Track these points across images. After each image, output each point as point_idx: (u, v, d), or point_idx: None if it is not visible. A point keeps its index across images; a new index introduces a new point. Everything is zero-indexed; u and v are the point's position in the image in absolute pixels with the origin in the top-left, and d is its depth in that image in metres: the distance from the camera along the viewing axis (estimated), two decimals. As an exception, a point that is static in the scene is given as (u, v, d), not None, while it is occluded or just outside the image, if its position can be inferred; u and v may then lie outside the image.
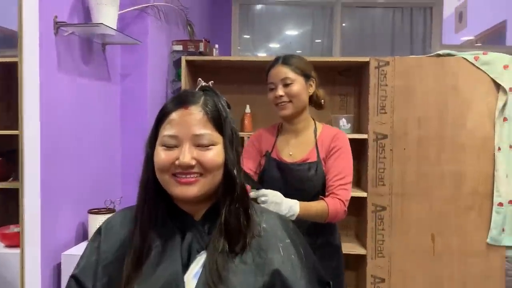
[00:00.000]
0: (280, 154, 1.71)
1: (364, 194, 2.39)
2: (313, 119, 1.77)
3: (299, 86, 1.65)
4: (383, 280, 2.38)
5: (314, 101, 1.75)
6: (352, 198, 2.51)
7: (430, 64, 2.36)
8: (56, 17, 1.66)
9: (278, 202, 1.46)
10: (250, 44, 4.57)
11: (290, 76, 1.65)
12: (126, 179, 2.22)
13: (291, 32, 4.61)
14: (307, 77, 1.69)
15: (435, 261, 2.36)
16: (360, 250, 2.43)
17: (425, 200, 2.36)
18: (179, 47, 2.71)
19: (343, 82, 2.68)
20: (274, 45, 4.64)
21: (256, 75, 2.69)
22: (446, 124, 2.35)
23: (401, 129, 2.36)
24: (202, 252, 0.95)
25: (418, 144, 2.35)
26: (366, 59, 2.38)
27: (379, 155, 2.36)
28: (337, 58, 2.57)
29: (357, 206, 2.64)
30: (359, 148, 2.61)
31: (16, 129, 1.50)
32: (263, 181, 1.69)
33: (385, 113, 2.36)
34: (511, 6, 5.16)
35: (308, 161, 1.66)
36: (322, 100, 1.77)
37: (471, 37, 5.93)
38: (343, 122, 2.48)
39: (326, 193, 1.62)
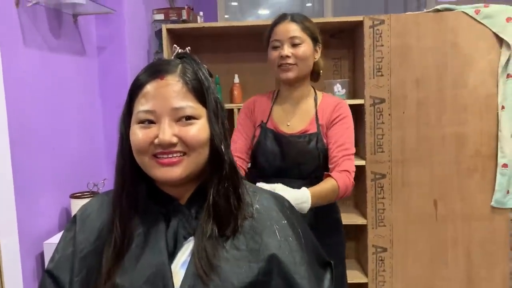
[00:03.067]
0: (276, 125, 1.56)
1: (362, 162, 2.28)
2: (313, 88, 1.62)
3: (307, 48, 1.50)
4: (385, 250, 2.30)
5: (314, 70, 1.60)
6: (350, 166, 2.45)
7: (428, 20, 2.21)
8: (16, -15, 1.50)
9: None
10: (237, 11, 4.38)
11: (300, 35, 1.49)
12: (110, 159, 2.09)
13: (280, -4, 4.41)
14: (315, 41, 1.54)
15: (438, 227, 2.28)
16: (360, 220, 2.34)
17: (426, 165, 2.25)
18: (160, 16, 2.54)
19: (336, 45, 2.53)
20: (263, 11, 4.45)
21: (244, 42, 2.56)
22: (447, 84, 2.22)
23: (399, 92, 2.23)
24: (189, 238, 0.85)
25: (418, 106, 2.23)
26: (360, 18, 2.23)
27: (377, 121, 2.24)
28: (328, 18, 2.41)
29: (356, 174, 2.54)
30: (355, 114, 2.47)
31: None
32: (257, 155, 1.56)
33: (382, 75, 2.23)
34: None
35: (308, 132, 1.53)
36: (320, 70, 1.63)
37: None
38: (337, 87, 2.35)
39: (330, 165, 1.50)
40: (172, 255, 0.83)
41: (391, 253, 2.30)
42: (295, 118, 1.56)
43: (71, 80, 1.86)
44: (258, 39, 2.47)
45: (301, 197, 1.32)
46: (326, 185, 1.42)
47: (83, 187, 1.81)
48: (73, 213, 1.71)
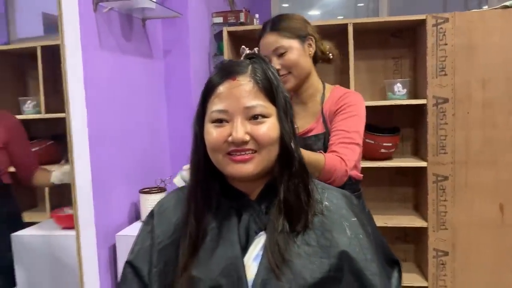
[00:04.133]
0: None
1: (423, 164, 2.23)
2: (323, 82, 1.51)
3: (295, 53, 1.40)
4: (446, 254, 2.24)
5: (320, 58, 1.50)
6: (410, 168, 2.40)
7: (495, 17, 2.13)
8: (94, -7, 1.60)
9: None
10: (291, 12, 4.39)
11: (282, 44, 1.40)
12: (175, 157, 2.18)
13: (332, -3, 4.38)
14: (302, 38, 1.43)
15: (504, 232, 2.19)
16: (420, 223, 2.29)
17: (492, 168, 2.17)
18: (220, 19, 2.61)
19: (396, 44, 2.49)
20: (314, 13, 4.43)
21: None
22: (515, 84, 2.13)
23: (463, 92, 2.16)
24: (260, 233, 0.88)
25: (483, 107, 2.15)
26: (422, 17, 2.18)
27: (440, 121, 2.19)
28: (390, 17, 2.37)
29: (415, 176, 2.49)
30: (416, 115, 2.45)
31: (64, 111, 1.48)
32: None
33: (445, 75, 2.17)
34: None
35: (312, 133, 1.44)
36: (330, 54, 1.51)
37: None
38: (398, 87, 2.31)
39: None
40: (244, 249, 0.86)
41: (453, 257, 2.24)
42: (302, 120, 1.47)
43: (140, 82, 1.95)
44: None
45: None
46: (311, 154, 1.26)
47: (151, 183, 1.89)
48: (142, 208, 1.80)
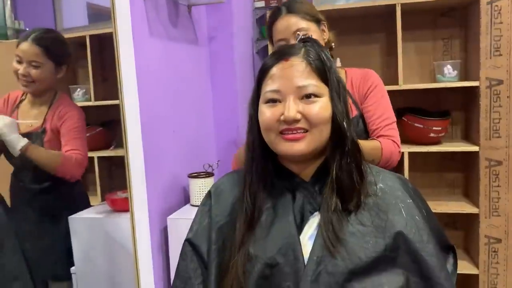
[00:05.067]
0: None
1: (475, 148, 2.16)
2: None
3: (315, 35, 1.40)
4: (499, 241, 2.17)
5: (326, 45, 1.50)
6: (460, 153, 2.33)
7: (557, -8, 2.00)
8: (143, -20, 1.63)
9: None
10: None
11: (303, 25, 1.39)
12: (221, 143, 2.21)
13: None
14: (318, 21, 1.44)
15: (562, 220, 2.10)
16: (471, 209, 2.22)
17: (550, 152, 2.07)
18: (262, 4, 2.59)
19: (446, 24, 2.39)
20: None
21: (346, 25, 2.52)
22: None
23: (520, 73, 2.06)
24: (315, 213, 0.90)
25: (542, 88, 2.05)
26: (476, -6, 2.09)
27: (493, 104, 2.10)
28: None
29: (465, 161, 2.41)
30: (467, 98, 2.36)
31: (114, 99, 1.53)
32: None
33: (500, 55, 2.07)
34: None
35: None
36: (333, 44, 1.53)
37: None
38: (448, 69, 2.23)
39: (372, 137, 1.43)
40: (299, 228, 0.88)
41: (506, 244, 2.16)
42: None
43: (187, 68, 1.98)
44: (358, 21, 2.44)
45: None
46: (367, 142, 1.35)
47: (199, 168, 1.93)
48: (191, 192, 1.84)
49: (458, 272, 2.24)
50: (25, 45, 1.40)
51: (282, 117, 0.86)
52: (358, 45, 2.49)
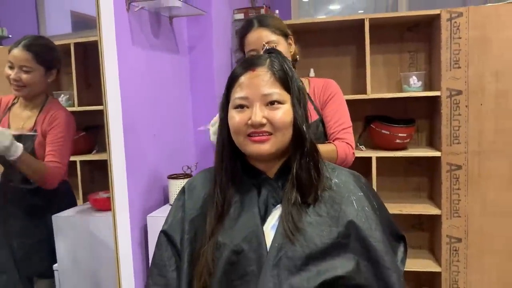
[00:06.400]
0: None
1: (437, 154, 2.32)
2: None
3: (282, 48, 1.50)
4: (459, 240, 2.33)
5: (291, 59, 1.62)
6: (425, 158, 2.49)
7: (509, 11, 2.19)
8: (127, -7, 1.74)
9: None
10: (311, 7, 4.47)
11: (273, 38, 1.52)
12: (199, 146, 2.32)
13: (352, -9, 4.42)
14: (286, 36, 1.59)
15: (516, 220, 2.27)
16: (434, 211, 2.38)
17: (505, 157, 2.24)
18: (241, 16, 2.71)
19: (412, 38, 2.57)
20: (335, 7, 4.49)
21: (318, 38, 2.67)
22: (529, 76, 2.19)
23: (477, 84, 2.24)
24: (277, 206, 1.01)
25: (497, 98, 2.22)
26: (437, 11, 2.26)
27: (453, 112, 2.27)
28: (405, 13, 2.45)
29: (430, 166, 2.57)
30: (431, 107, 2.53)
31: (96, 104, 1.60)
32: None
33: (459, 67, 2.24)
34: None
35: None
36: (297, 56, 1.67)
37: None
38: (413, 80, 2.39)
39: (330, 140, 1.57)
40: (263, 219, 0.99)
41: (466, 244, 2.32)
42: None
43: (168, 76, 2.09)
44: (331, 35, 2.58)
45: None
46: (324, 146, 1.48)
47: (178, 170, 2.03)
48: (170, 192, 1.94)
49: (423, 270, 2.39)
50: (16, 51, 1.46)
51: (249, 121, 0.97)
52: (331, 56, 2.64)
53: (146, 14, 1.92)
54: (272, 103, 0.98)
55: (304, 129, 1.00)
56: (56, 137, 1.52)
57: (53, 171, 1.52)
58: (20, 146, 1.39)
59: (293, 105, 1.00)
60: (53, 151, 1.51)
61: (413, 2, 4.08)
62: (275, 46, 1.52)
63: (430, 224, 2.60)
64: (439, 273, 2.37)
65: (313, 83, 1.65)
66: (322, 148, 1.34)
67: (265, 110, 0.97)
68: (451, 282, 2.35)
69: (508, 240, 2.27)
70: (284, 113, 0.98)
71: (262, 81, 0.98)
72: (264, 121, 0.97)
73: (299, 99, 1.01)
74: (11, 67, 1.46)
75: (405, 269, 1.07)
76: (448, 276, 2.35)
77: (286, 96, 1.00)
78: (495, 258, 2.29)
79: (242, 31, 1.60)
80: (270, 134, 0.98)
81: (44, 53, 1.54)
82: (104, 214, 1.68)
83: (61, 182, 1.60)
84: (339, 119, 1.57)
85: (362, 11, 4.31)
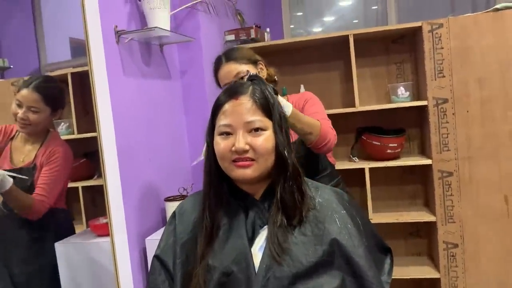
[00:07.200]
0: None
1: (428, 162, 2.36)
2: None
3: None
4: (456, 245, 2.35)
5: (268, 80, 1.70)
6: (418, 166, 2.53)
7: (488, 20, 2.25)
8: (116, 26, 1.82)
9: None
10: (303, 21, 4.55)
11: (242, 69, 1.62)
12: (194, 167, 2.38)
13: (344, 2, 4.51)
14: (255, 63, 1.68)
15: (510, 222, 2.29)
16: (429, 217, 2.41)
17: (494, 161, 2.28)
18: (231, 37, 2.80)
19: (398, 50, 2.63)
20: (328, 19, 4.57)
21: (308, 54, 2.75)
22: (510, 81, 2.24)
23: (462, 92, 2.29)
24: (264, 227, 1.06)
25: (482, 104, 2.27)
26: (419, 24, 2.32)
27: (441, 120, 2.32)
28: (388, 26, 2.52)
29: (423, 174, 2.61)
30: (420, 115, 2.58)
31: (95, 131, 1.67)
32: None
33: (444, 76, 2.30)
34: None
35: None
36: (275, 77, 1.77)
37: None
38: (401, 90, 2.45)
39: None
40: (251, 240, 1.04)
41: (463, 249, 2.35)
42: None
43: (161, 101, 2.17)
44: (318, 51, 2.65)
45: (285, 104, 1.39)
46: (309, 118, 1.50)
47: (175, 192, 2.09)
48: (167, 214, 2.00)
49: (422, 277, 2.41)
50: (26, 92, 1.52)
51: (233, 148, 1.02)
52: (320, 72, 2.71)
53: (136, 44, 2.00)
54: (255, 130, 1.03)
55: (286, 154, 1.05)
56: (50, 172, 1.57)
57: (38, 205, 1.55)
58: (10, 180, 1.43)
59: (275, 132, 1.05)
60: (43, 185, 1.55)
61: (402, 11, 4.16)
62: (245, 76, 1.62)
63: (427, 231, 2.63)
64: (438, 279, 2.40)
65: (291, 99, 1.73)
66: (307, 119, 1.44)
67: (248, 137, 1.02)
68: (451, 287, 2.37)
69: (503, 242, 2.30)
70: (265, 139, 1.03)
71: (245, 109, 1.03)
72: (247, 147, 1.02)
73: (280, 124, 1.06)
74: (19, 106, 1.51)
75: (405, 277, 1.12)
76: (447, 282, 2.37)
77: (268, 123, 1.05)
78: (492, 261, 2.32)
79: (214, 68, 1.72)
80: (253, 160, 1.02)
81: (53, 95, 1.61)
82: (105, 239, 1.74)
83: (61, 211, 1.67)
84: (317, 113, 1.60)
85: (357, 21, 4.38)
